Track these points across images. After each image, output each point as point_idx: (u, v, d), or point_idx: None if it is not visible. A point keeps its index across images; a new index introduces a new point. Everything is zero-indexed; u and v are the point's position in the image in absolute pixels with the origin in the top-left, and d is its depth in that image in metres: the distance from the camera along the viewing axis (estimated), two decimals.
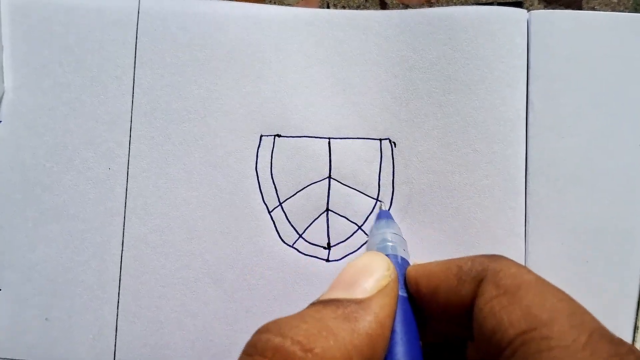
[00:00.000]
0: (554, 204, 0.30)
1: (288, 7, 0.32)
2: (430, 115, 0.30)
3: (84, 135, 0.31)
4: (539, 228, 0.30)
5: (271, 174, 0.30)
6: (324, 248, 0.30)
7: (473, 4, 0.33)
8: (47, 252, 0.30)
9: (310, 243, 0.30)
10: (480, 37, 0.30)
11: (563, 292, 0.18)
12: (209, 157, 0.30)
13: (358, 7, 0.35)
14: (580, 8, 0.34)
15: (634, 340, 0.29)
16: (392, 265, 0.21)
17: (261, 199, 0.30)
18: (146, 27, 0.31)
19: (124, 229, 0.30)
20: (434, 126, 0.30)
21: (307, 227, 0.30)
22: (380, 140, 0.31)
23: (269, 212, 0.30)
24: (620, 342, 0.16)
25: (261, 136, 0.31)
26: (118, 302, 0.30)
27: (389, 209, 0.30)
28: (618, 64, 0.30)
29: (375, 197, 0.30)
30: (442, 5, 0.34)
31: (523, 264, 0.29)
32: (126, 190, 0.30)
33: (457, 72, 0.30)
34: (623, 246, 0.30)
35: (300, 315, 0.18)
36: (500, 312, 0.17)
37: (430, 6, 0.34)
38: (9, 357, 0.30)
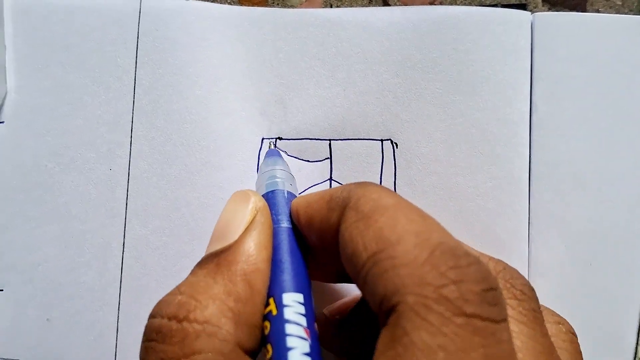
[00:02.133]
0: (557, 207, 0.30)
1: (289, 9, 0.31)
2: (433, 116, 0.30)
3: (85, 135, 0.31)
4: (543, 231, 0.29)
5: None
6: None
7: (477, 5, 0.33)
8: (48, 253, 0.30)
9: None
10: (484, 38, 0.30)
11: (418, 213, 0.18)
12: (211, 159, 0.30)
13: None
14: (584, 10, 0.34)
15: (637, 343, 0.29)
16: (257, 197, 0.22)
17: None
18: (147, 28, 0.31)
19: (125, 230, 0.30)
20: (436, 127, 0.30)
21: None
22: (382, 141, 0.30)
23: None
24: (464, 254, 0.16)
25: (263, 139, 0.31)
26: (119, 303, 0.30)
27: None
28: (622, 66, 0.30)
29: None
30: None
31: (526, 267, 0.29)
32: (127, 191, 0.30)
33: (460, 72, 0.30)
34: (627, 249, 0.29)
35: (177, 287, 0.19)
36: (357, 236, 0.18)
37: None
38: (10, 358, 0.30)
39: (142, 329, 0.29)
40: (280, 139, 0.31)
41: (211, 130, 0.31)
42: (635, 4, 0.34)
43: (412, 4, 0.34)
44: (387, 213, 0.18)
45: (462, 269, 0.16)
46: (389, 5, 0.35)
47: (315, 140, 0.31)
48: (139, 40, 0.31)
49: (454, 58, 0.30)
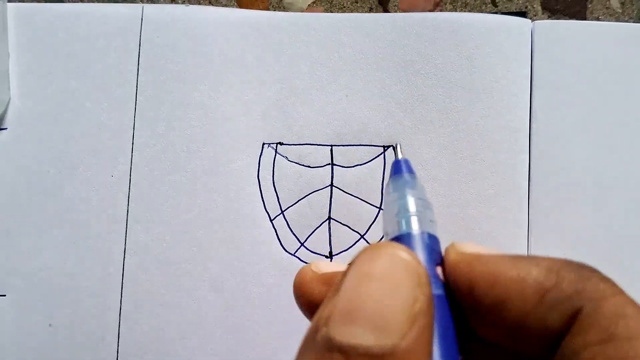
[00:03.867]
0: (557, 214, 0.30)
1: (291, 13, 0.32)
2: (435, 123, 0.30)
3: (88, 142, 0.31)
4: (542, 238, 0.29)
5: (273, 182, 0.30)
6: (326, 257, 0.30)
7: (478, 13, 0.33)
8: (51, 259, 0.30)
9: (312, 252, 0.30)
10: (485, 45, 0.30)
11: None
12: (211, 165, 0.30)
13: None
14: (584, 18, 0.34)
15: None
16: (424, 275, 0.14)
17: (263, 207, 0.30)
18: (149, 35, 0.31)
19: (126, 236, 0.30)
20: (438, 134, 0.30)
21: (309, 236, 0.30)
22: (384, 147, 0.31)
23: (271, 220, 0.30)
24: None
25: (263, 144, 0.31)
26: (120, 309, 0.30)
27: None
28: (622, 74, 0.30)
29: (378, 206, 0.30)
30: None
31: None
32: (128, 197, 0.30)
33: (462, 79, 0.30)
34: (627, 257, 0.29)
35: None
36: None
37: None
38: None
39: (143, 335, 0.29)
40: (281, 144, 0.31)
41: (212, 136, 0.31)
42: (635, 12, 0.34)
43: (413, 11, 0.35)
44: None
45: None
46: (388, 12, 0.35)
47: (316, 146, 0.31)
48: (140, 47, 0.31)
49: (456, 64, 0.30)
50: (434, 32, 0.30)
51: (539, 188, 0.30)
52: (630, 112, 0.30)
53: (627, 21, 0.34)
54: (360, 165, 0.30)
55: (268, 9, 0.35)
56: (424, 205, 0.17)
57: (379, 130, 0.31)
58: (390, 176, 0.20)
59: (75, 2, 0.34)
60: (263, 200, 0.30)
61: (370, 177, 0.30)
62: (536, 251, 0.29)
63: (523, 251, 0.29)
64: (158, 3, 0.34)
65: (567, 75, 0.30)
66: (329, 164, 0.31)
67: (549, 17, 0.34)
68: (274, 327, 0.29)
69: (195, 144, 0.31)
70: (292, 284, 0.18)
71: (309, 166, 0.31)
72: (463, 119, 0.30)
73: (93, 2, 0.34)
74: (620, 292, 0.15)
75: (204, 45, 0.31)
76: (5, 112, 0.31)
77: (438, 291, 0.15)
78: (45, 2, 0.33)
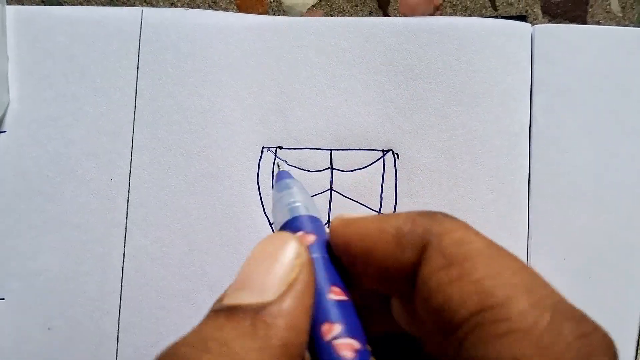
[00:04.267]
0: (557, 219, 0.30)
1: (290, 18, 0.32)
2: (435, 127, 0.30)
3: (87, 145, 0.31)
4: (542, 242, 0.29)
5: (272, 186, 0.30)
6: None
7: (478, 17, 0.33)
8: (50, 262, 0.30)
9: None
10: (485, 49, 0.30)
11: (517, 261, 0.16)
12: (211, 169, 0.30)
13: None
14: (584, 22, 0.34)
15: (636, 356, 0.29)
16: (302, 247, 0.18)
17: (262, 211, 0.30)
18: (148, 38, 0.31)
19: (125, 239, 0.30)
20: (438, 138, 0.30)
21: None
22: (383, 151, 0.31)
23: (270, 225, 0.30)
24: (582, 317, 0.14)
25: (262, 148, 0.31)
26: (119, 312, 0.30)
27: None
28: (622, 78, 0.30)
29: (378, 210, 0.30)
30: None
31: None
32: (127, 201, 0.30)
33: (462, 83, 0.30)
34: (626, 261, 0.29)
35: (201, 339, 0.16)
36: (449, 287, 0.15)
37: None
38: None
39: (142, 338, 0.29)
40: (281, 148, 0.31)
41: (211, 140, 0.31)
42: (636, 16, 0.34)
43: (413, 15, 0.34)
44: (482, 260, 0.15)
45: (588, 339, 0.14)
46: (388, 16, 0.35)
47: (316, 150, 0.31)
48: (140, 51, 0.31)
49: (455, 69, 0.30)
50: (433, 36, 0.30)
51: (538, 192, 0.30)
52: (631, 117, 0.30)
53: (627, 25, 0.34)
54: (359, 169, 0.30)
55: (267, 12, 0.35)
56: (305, 197, 0.22)
57: (378, 134, 0.30)
58: (275, 182, 0.24)
59: (74, 5, 0.34)
60: (262, 205, 0.30)
61: (370, 181, 0.30)
62: (536, 255, 0.29)
63: (523, 255, 0.29)
64: (157, 6, 0.34)
65: (567, 80, 0.30)
66: (328, 168, 0.30)
67: (550, 21, 0.34)
68: None
69: (194, 148, 0.31)
70: None
71: (308, 170, 0.31)
72: (462, 124, 0.30)
73: (92, 5, 0.34)
74: (465, 227, 0.17)
75: (204, 50, 0.31)
76: (4, 115, 0.31)
77: (325, 255, 0.19)
78: (45, 5, 0.33)
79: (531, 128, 0.30)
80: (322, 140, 0.31)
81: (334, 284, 0.18)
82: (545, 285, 0.15)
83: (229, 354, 0.15)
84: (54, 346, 0.30)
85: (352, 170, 0.30)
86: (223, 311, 0.16)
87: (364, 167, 0.30)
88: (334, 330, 0.17)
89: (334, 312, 0.17)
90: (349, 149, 0.31)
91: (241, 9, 0.35)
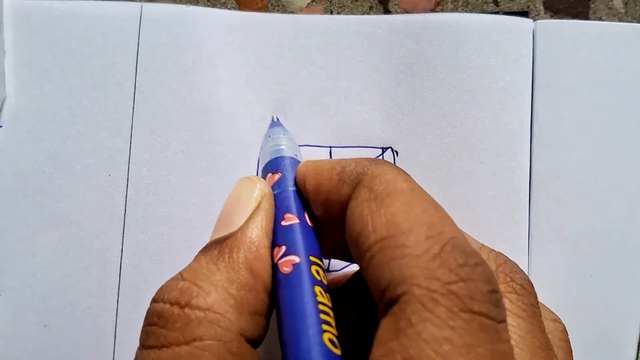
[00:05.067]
0: (558, 217, 0.29)
1: (290, 15, 0.31)
2: (434, 125, 0.30)
3: (85, 141, 0.31)
4: (543, 241, 0.29)
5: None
6: (324, 258, 0.30)
7: (478, 13, 0.33)
8: (47, 259, 0.30)
9: None
10: (486, 46, 0.30)
11: (432, 203, 0.18)
12: (210, 166, 0.30)
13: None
14: (587, 18, 0.34)
15: (637, 356, 0.29)
16: (263, 183, 0.22)
17: None
18: (148, 34, 0.31)
19: (123, 236, 0.30)
20: (437, 136, 0.30)
21: None
22: (383, 149, 0.30)
23: None
24: (473, 253, 0.16)
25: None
26: (117, 309, 0.30)
27: None
28: (625, 75, 0.30)
29: None
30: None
31: None
32: (126, 197, 0.30)
33: (461, 81, 0.30)
34: (628, 261, 0.29)
35: (180, 273, 0.19)
36: (367, 216, 0.17)
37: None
38: None
39: (139, 336, 0.29)
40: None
41: (211, 137, 0.30)
42: (639, 12, 0.34)
43: (413, 12, 0.34)
44: (402, 198, 0.18)
45: (471, 268, 0.16)
46: (390, 12, 0.35)
47: (315, 147, 0.31)
48: (139, 47, 0.31)
49: (455, 66, 0.30)
50: (433, 33, 0.30)
51: (540, 190, 0.30)
52: (634, 114, 0.30)
53: (630, 21, 0.34)
54: None
55: (267, 7, 0.35)
56: (291, 143, 0.26)
57: (377, 132, 0.30)
58: (268, 128, 0.29)
59: None
60: None
61: None
62: (537, 254, 0.29)
63: (523, 254, 0.29)
64: (156, 1, 0.34)
65: (569, 76, 0.30)
66: None
67: (551, 17, 0.34)
68: (272, 324, 0.29)
69: (194, 145, 0.30)
70: None
71: None
72: (462, 121, 0.30)
73: None
74: (398, 171, 0.19)
75: (203, 46, 0.31)
76: (1, 110, 0.31)
77: (287, 189, 0.22)
78: None
79: (532, 125, 0.30)
80: (321, 137, 0.30)
81: (289, 211, 0.21)
82: (447, 224, 0.17)
83: (198, 275, 0.18)
84: (50, 343, 0.30)
85: None
86: (201, 250, 0.20)
87: None
88: (280, 252, 0.19)
89: (281, 236, 0.20)
90: (348, 147, 0.30)
91: (241, 4, 0.35)
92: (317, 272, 0.19)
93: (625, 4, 0.34)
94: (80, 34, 0.31)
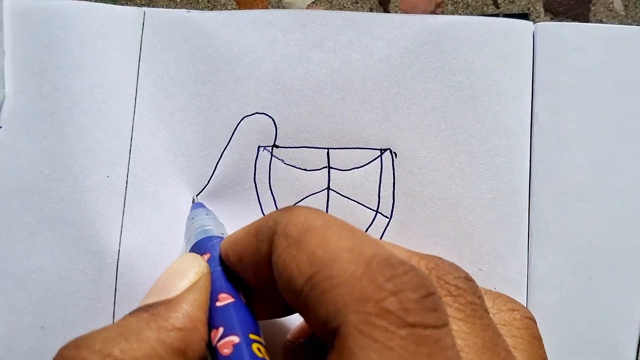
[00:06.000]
0: (558, 219, 0.29)
1: (287, 10, 0.31)
2: (433, 126, 0.30)
3: (83, 142, 0.30)
4: (543, 243, 0.29)
5: (269, 185, 0.30)
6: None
7: (478, 15, 0.33)
8: (44, 260, 0.30)
9: None
10: (485, 48, 0.30)
11: (346, 229, 0.18)
12: (208, 168, 0.30)
13: None
14: (587, 20, 0.34)
15: (637, 357, 0.28)
16: (204, 262, 0.22)
17: (260, 210, 0.30)
18: (150, 40, 0.31)
19: (120, 238, 0.30)
20: (436, 137, 0.30)
21: None
22: (381, 150, 0.30)
23: None
24: (399, 262, 0.16)
25: (259, 147, 0.30)
26: (114, 311, 0.30)
27: (389, 220, 0.30)
28: (625, 77, 0.30)
29: (375, 209, 0.30)
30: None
31: (525, 279, 0.29)
32: (124, 199, 0.30)
33: (461, 82, 0.30)
34: (628, 263, 0.29)
35: (102, 327, 0.18)
36: (290, 262, 0.17)
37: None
38: None
39: None
40: (277, 146, 0.30)
41: (210, 140, 0.30)
42: (639, 15, 0.34)
43: (413, 13, 0.34)
44: (317, 233, 0.17)
45: (399, 278, 0.16)
46: (389, 12, 0.34)
47: (313, 149, 0.30)
48: (141, 51, 0.31)
49: (454, 67, 0.30)
50: (432, 34, 0.30)
51: (539, 192, 0.29)
52: (634, 116, 0.30)
53: (630, 24, 0.34)
54: (357, 168, 0.30)
55: (267, 9, 0.35)
56: (216, 222, 0.27)
57: (376, 133, 0.30)
58: (190, 210, 0.29)
59: None
60: (260, 204, 0.30)
61: (367, 180, 0.30)
62: (536, 256, 0.29)
63: (523, 256, 0.29)
64: (158, 5, 0.34)
65: (569, 78, 0.30)
66: (325, 166, 0.30)
67: (552, 20, 0.34)
68: (270, 325, 0.29)
69: (193, 149, 0.30)
70: None
71: (305, 169, 0.30)
72: (461, 123, 0.30)
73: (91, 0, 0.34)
74: (310, 211, 0.19)
75: (205, 51, 0.31)
76: None
77: (217, 268, 0.22)
78: None
79: (532, 127, 0.30)
80: (319, 138, 0.30)
81: (222, 291, 0.21)
82: (366, 243, 0.17)
83: (124, 331, 0.18)
84: (47, 345, 0.29)
85: (350, 169, 0.30)
86: (130, 313, 0.19)
87: (362, 166, 0.30)
88: (218, 334, 0.19)
89: (217, 318, 0.20)
90: (347, 148, 0.30)
91: (241, 6, 0.35)
92: (259, 349, 0.19)
93: (626, 6, 0.34)
94: (80, 35, 0.31)
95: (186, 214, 0.30)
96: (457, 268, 0.20)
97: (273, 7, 0.35)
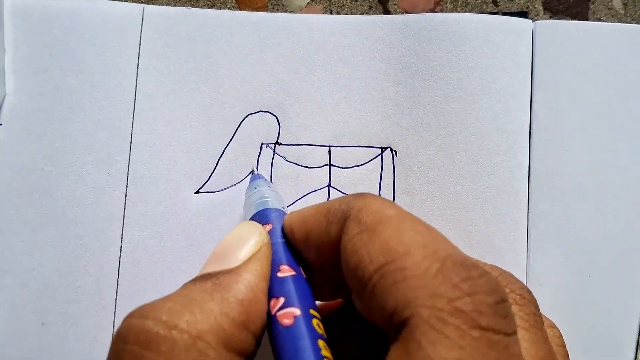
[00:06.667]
0: (556, 217, 0.29)
1: (290, 14, 0.31)
2: (433, 124, 0.30)
3: (84, 139, 0.30)
4: (542, 241, 0.29)
5: (271, 182, 0.30)
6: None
7: (478, 13, 0.33)
8: (45, 257, 0.30)
9: None
10: (485, 46, 0.30)
11: (422, 224, 0.18)
12: (209, 165, 0.30)
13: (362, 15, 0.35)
14: (586, 19, 0.34)
15: (636, 356, 0.29)
16: (264, 231, 0.21)
17: None
18: (150, 36, 0.31)
19: (122, 234, 0.30)
20: (436, 135, 0.30)
21: None
22: (382, 148, 0.30)
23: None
24: (474, 265, 0.16)
25: (262, 144, 0.31)
26: (115, 308, 0.30)
27: None
28: (624, 75, 0.30)
29: None
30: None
31: (524, 277, 0.29)
32: (125, 195, 0.30)
33: (460, 80, 0.30)
34: (627, 261, 0.29)
35: (166, 296, 0.18)
36: (361, 248, 0.17)
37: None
38: None
39: None
40: (280, 144, 0.31)
41: (211, 137, 0.30)
42: (638, 13, 0.34)
43: (413, 12, 0.34)
44: (392, 224, 0.18)
45: (474, 281, 0.16)
46: (389, 12, 0.35)
47: (314, 147, 0.31)
48: (140, 48, 0.31)
49: (454, 66, 0.30)
50: (432, 33, 0.30)
51: (539, 190, 0.30)
52: (633, 114, 0.30)
53: (629, 22, 0.34)
54: (357, 166, 0.30)
55: (267, 7, 0.35)
56: (276, 195, 0.26)
57: (376, 131, 0.30)
58: (250, 181, 0.28)
59: None
60: None
61: (368, 178, 0.30)
62: (535, 254, 0.29)
63: (522, 254, 0.29)
64: (157, 2, 0.34)
65: (568, 77, 0.30)
66: (327, 164, 0.30)
67: (551, 18, 0.34)
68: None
69: (194, 145, 0.30)
70: None
71: (307, 167, 0.30)
72: (460, 121, 0.30)
73: None
74: (383, 201, 0.19)
75: (205, 47, 0.31)
76: (0, 108, 0.31)
77: (278, 240, 0.22)
78: None
79: (531, 125, 0.30)
80: (321, 136, 0.30)
81: (283, 263, 0.21)
82: (441, 242, 0.17)
83: (188, 301, 0.18)
84: (48, 342, 0.30)
85: (351, 167, 0.30)
86: (190, 280, 0.19)
87: (363, 164, 0.30)
88: (278, 303, 0.19)
89: (278, 288, 0.20)
90: (348, 146, 0.30)
91: (241, 4, 0.35)
92: (318, 325, 0.19)
93: (625, 4, 0.34)
94: (80, 33, 0.31)
95: (187, 210, 0.30)
96: (519, 279, 0.21)
97: (272, 4, 0.35)
